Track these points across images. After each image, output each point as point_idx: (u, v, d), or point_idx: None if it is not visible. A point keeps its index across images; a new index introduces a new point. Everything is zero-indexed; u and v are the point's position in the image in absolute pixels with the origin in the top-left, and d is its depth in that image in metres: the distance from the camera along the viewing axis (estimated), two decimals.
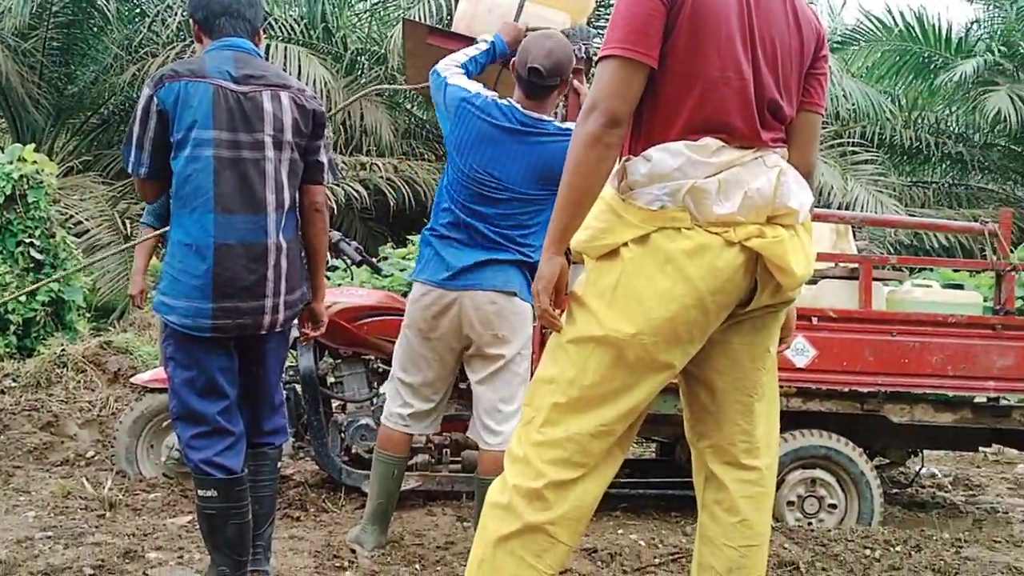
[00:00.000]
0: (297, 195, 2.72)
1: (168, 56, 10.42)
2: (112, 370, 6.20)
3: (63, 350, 6.25)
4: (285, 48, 10.69)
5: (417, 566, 3.19)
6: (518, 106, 3.19)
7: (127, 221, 9.65)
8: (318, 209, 2.78)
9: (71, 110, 11.94)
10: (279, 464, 2.86)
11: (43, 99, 11.05)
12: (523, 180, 3.17)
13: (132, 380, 4.64)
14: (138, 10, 12.26)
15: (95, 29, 11.63)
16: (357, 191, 10.64)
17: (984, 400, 4.20)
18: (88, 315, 8.32)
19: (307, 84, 10.26)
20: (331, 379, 4.32)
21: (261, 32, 2.77)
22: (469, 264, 3.20)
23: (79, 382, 6.22)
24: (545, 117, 3.21)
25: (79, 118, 12.28)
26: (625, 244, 1.95)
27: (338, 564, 3.13)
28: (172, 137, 2.53)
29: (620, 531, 3.87)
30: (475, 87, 3.27)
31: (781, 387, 2.42)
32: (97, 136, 12.45)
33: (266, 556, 2.80)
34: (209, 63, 2.56)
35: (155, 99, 2.51)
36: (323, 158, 2.77)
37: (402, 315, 4.33)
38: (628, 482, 4.37)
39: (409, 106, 13.08)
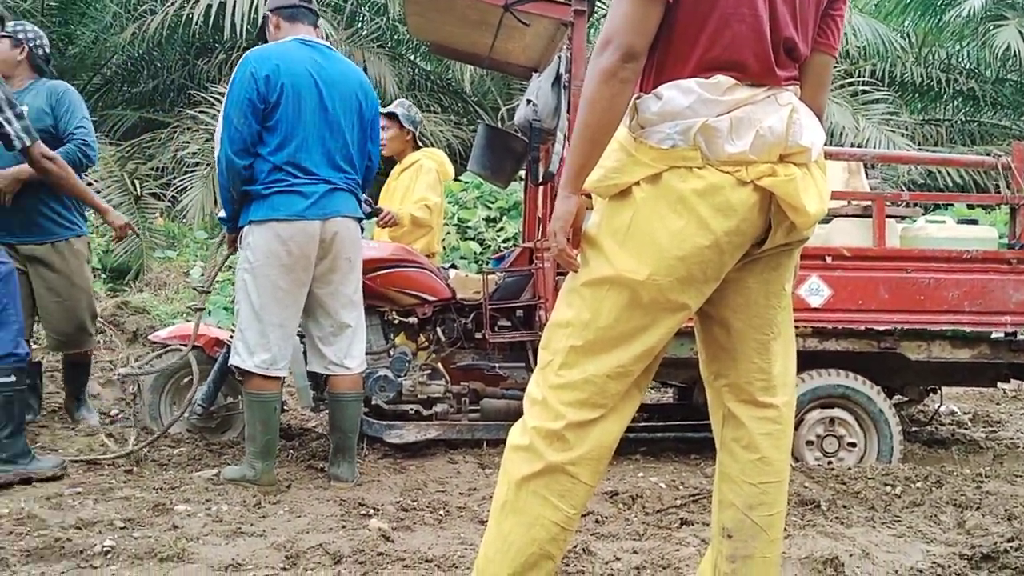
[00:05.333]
0: None
1: (167, 14, 10.32)
2: (131, 330, 6.26)
3: None
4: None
5: (441, 512, 3.23)
6: None
7: (136, 182, 9.64)
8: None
9: (73, 71, 11.84)
10: None
11: None
12: None
13: (151, 338, 4.68)
14: None
15: None
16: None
17: (1001, 335, 4.20)
18: (103, 276, 8.37)
19: None
20: None
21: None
22: None
23: (99, 342, 6.28)
24: None
25: (82, 79, 12.19)
26: (637, 183, 1.94)
27: (363, 512, 3.18)
28: None
29: (640, 474, 3.92)
30: None
31: (797, 327, 2.43)
32: (101, 96, 12.38)
33: None
34: None
35: None
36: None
37: (416, 267, 4.37)
38: (647, 426, 4.41)
39: (412, 57, 12.95)
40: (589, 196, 2.02)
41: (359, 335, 3.77)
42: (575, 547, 2.77)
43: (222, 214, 3.71)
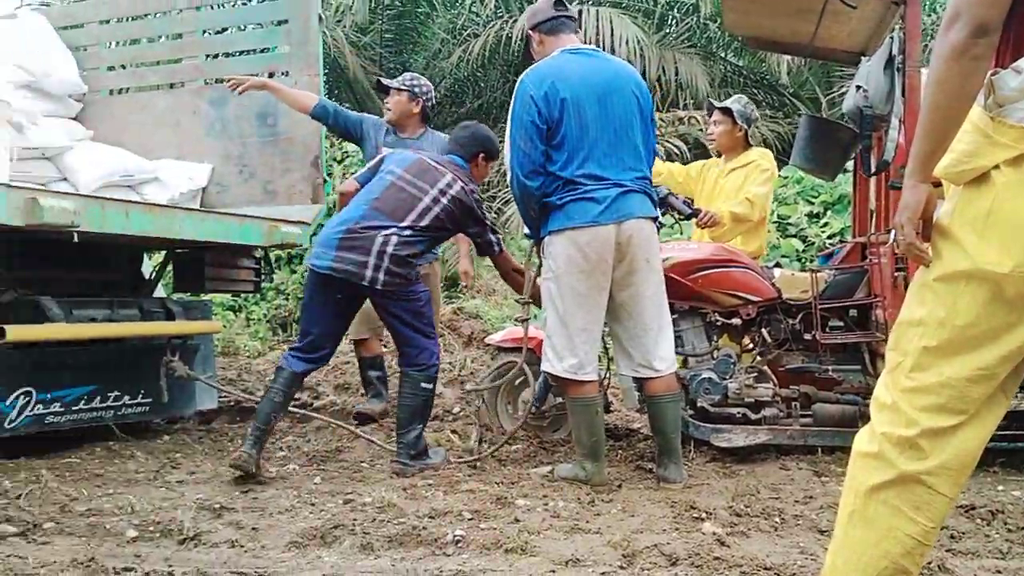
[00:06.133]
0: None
1: (488, 36, 10.93)
2: (466, 334, 6.69)
3: None
4: (597, 11, 10.81)
5: (777, 519, 3.13)
6: None
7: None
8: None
9: None
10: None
11: None
12: None
13: (486, 341, 4.97)
14: None
15: (422, 17, 12.46)
16: (676, 147, 10.56)
17: None
18: (440, 285, 9.03)
19: (620, 45, 10.38)
20: None
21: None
22: None
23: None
24: None
25: None
26: (996, 167, 1.76)
27: (695, 515, 3.16)
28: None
29: (1000, 487, 3.56)
30: None
31: None
32: (432, 120, 13.38)
33: (405, 453, 3.84)
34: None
35: None
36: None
37: (738, 266, 4.28)
38: (1006, 434, 3.99)
39: (723, 54, 12.73)
40: (938, 184, 1.87)
41: (665, 335, 3.75)
42: (928, 562, 2.57)
43: (527, 231, 3.89)
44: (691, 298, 4.26)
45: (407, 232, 3.83)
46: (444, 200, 3.91)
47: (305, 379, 4.21)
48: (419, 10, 12.27)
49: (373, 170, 4.13)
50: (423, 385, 3.94)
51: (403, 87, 5.03)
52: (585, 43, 3.89)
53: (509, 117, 3.65)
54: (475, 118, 12.78)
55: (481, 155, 4.11)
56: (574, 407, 3.70)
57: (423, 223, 3.87)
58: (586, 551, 2.77)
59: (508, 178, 3.73)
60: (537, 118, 3.55)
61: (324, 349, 3.97)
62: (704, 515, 3.16)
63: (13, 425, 4.16)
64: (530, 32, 3.87)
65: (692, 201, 4.69)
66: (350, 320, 4.11)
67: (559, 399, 4.40)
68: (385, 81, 5.17)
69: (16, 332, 3.92)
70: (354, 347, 5.36)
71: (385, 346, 5.65)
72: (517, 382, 4.44)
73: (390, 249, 3.78)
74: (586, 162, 3.58)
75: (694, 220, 4.78)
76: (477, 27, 11.80)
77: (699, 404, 4.19)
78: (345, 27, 11.29)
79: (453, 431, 4.59)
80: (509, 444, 4.28)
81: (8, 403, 4.13)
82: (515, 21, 10.43)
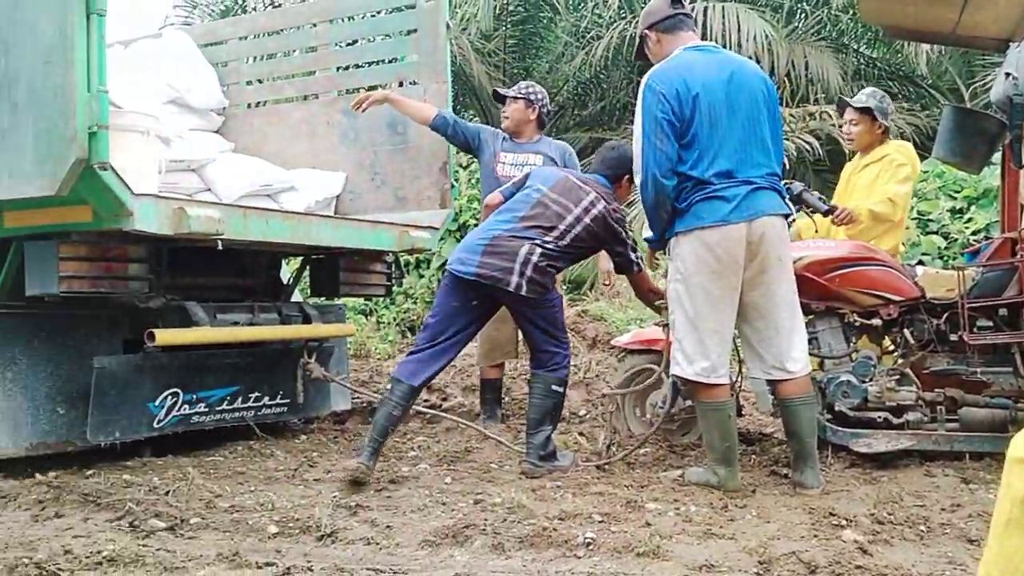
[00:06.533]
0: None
1: (611, 38, 10.88)
2: (590, 336, 6.67)
3: None
4: (723, 8, 10.62)
5: (922, 527, 3.00)
6: None
7: None
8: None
9: None
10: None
11: None
12: None
13: (613, 343, 4.94)
14: None
15: (545, 21, 12.51)
16: (808, 143, 10.25)
17: None
18: (565, 287, 9.04)
19: (747, 41, 10.16)
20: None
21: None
22: None
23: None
24: None
25: None
26: None
27: (835, 523, 3.05)
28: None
29: None
30: None
31: None
32: (555, 122, 13.40)
33: (534, 454, 3.89)
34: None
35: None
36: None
37: (878, 264, 4.12)
38: None
39: (855, 46, 12.28)
40: None
41: (798, 336, 3.63)
42: None
43: (648, 234, 3.80)
44: (827, 298, 4.12)
45: (550, 247, 3.87)
46: (587, 219, 3.93)
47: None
48: (542, 14, 12.33)
49: (518, 185, 4.18)
50: (554, 387, 3.97)
51: (519, 95, 5.13)
52: (710, 40, 3.82)
53: (638, 119, 3.58)
54: (598, 121, 12.81)
55: (627, 177, 4.08)
56: (705, 411, 3.64)
57: (564, 241, 3.91)
58: (720, 557, 2.71)
59: (638, 180, 3.64)
60: (672, 115, 3.50)
61: (448, 355, 3.97)
62: (844, 522, 3.05)
63: (161, 424, 4.39)
64: (646, 32, 3.81)
65: (827, 198, 4.54)
66: (478, 328, 4.15)
67: (687, 402, 4.33)
68: (502, 91, 5.25)
69: (165, 336, 4.13)
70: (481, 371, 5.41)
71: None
72: (647, 384, 4.39)
73: (534, 259, 3.83)
74: (716, 160, 3.51)
75: (829, 217, 4.62)
76: (600, 29, 11.78)
77: (837, 408, 4.05)
78: (470, 34, 11.45)
79: (580, 433, 4.58)
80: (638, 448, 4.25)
81: (157, 403, 4.35)
82: (638, 21, 10.36)
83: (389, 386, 3.93)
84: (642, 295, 4.31)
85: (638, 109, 3.59)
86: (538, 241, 3.86)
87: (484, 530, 3.00)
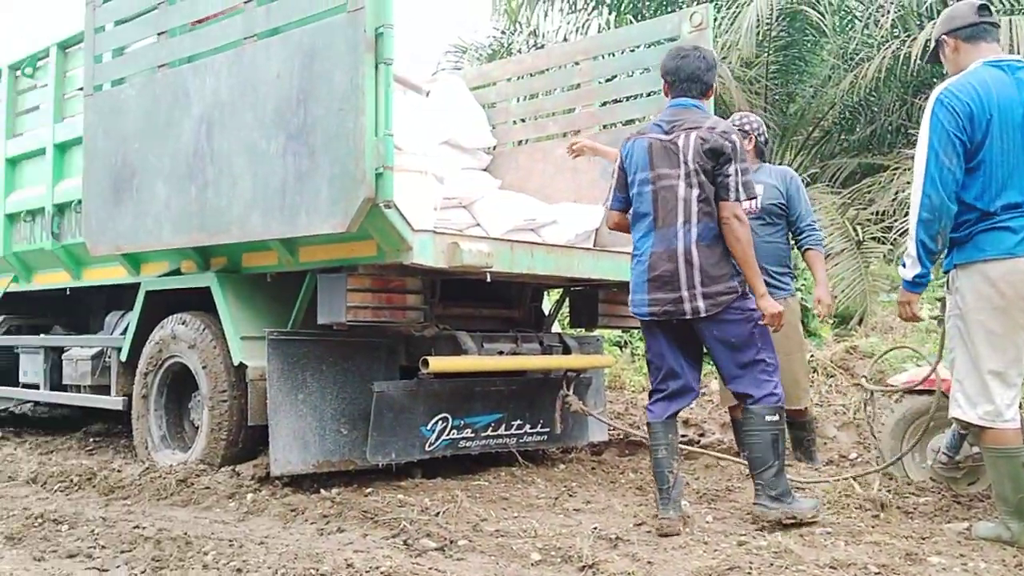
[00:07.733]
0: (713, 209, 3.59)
1: (884, 58, 10.30)
2: (860, 374, 6.30)
3: (811, 356, 6.57)
4: (1010, 20, 9.75)
5: None
6: None
7: (857, 227, 9.77)
8: (726, 221, 3.57)
9: (794, 127, 12.57)
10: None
11: (770, 121, 11.79)
12: None
13: (889, 382, 4.65)
14: (849, 17, 12.40)
15: (809, 44, 12.07)
16: None
17: None
18: (830, 322, 8.62)
19: None
20: None
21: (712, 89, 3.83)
22: None
23: (830, 386, 6.48)
24: None
25: (802, 134, 12.86)
26: None
27: None
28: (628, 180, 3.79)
29: None
30: None
31: None
32: (820, 148, 12.89)
33: (764, 495, 3.59)
34: (650, 122, 3.83)
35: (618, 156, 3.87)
36: (729, 180, 3.56)
37: None
38: None
39: None
40: None
41: None
42: None
43: (907, 271, 3.43)
44: None
45: (693, 231, 3.56)
46: (689, 161, 3.58)
47: (679, 416, 4.00)
48: (807, 38, 11.92)
49: (625, 190, 3.84)
50: (768, 418, 3.60)
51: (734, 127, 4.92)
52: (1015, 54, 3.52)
53: (924, 136, 3.32)
54: (867, 145, 12.17)
55: (708, 89, 3.78)
56: (993, 458, 3.33)
57: (695, 206, 3.57)
58: None
59: (916, 201, 3.32)
60: (963, 134, 3.25)
61: (682, 392, 3.75)
62: None
63: (432, 448, 4.63)
64: (944, 38, 3.53)
65: None
66: (697, 353, 3.85)
67: (975, 449, 3.98)
68: None
69: (437, 364, 4.37)
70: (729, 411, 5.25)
71: None
72: (928, 427, 4.08)
73: (695, 261, 3.54)
74: (1004, 192, 3.24)
75: None
76: (871, 50, 11.19)
77: None
78: (731, 62, 11.27)
79: (853, 478, 4.32)
80: (916, 496, 3.95)
81: (429, 427, 4.60)
82: (914, 39, 9.73)
83: (648, 433, 3.81)
84: (723, 221, 3.62)
85: (924, 124, 3.35)
86: (680, 235, 3.56)
87: (749, 573, 2.91)
